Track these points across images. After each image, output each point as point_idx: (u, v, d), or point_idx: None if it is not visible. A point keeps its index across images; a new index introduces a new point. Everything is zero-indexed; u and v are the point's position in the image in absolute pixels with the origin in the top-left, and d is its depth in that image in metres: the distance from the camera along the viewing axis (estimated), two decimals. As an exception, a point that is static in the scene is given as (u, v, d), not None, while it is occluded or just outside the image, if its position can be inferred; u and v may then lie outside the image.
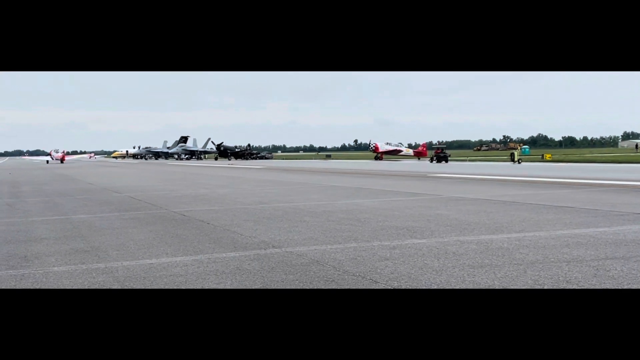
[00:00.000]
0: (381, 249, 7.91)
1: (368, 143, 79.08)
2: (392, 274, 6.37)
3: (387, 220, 10.86)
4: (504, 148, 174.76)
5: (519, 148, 66.28)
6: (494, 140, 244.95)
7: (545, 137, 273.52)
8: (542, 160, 59.48)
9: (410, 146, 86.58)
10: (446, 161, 57.84)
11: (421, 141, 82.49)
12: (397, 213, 12.06)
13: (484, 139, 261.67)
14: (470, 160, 64.03)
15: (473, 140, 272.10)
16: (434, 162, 57.59)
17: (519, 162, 49.94)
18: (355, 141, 79.89)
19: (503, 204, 13.62)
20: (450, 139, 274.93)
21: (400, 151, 77.53)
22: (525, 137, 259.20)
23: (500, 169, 36.77)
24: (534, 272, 6.32)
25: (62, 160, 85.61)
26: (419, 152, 77.23)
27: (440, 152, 60.03)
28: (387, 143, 78.24)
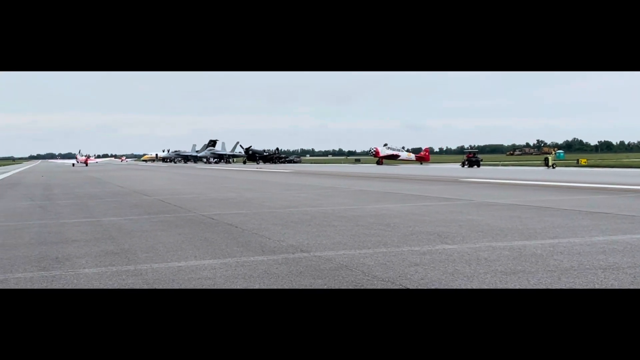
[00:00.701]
0: (411, 254, 7.87)
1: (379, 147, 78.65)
2: (422, 279, 6.34)
3: (418, 226, 10.81)
4: (537, 152, 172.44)
5: (554, 152, 65.31)
6: (527, 145, 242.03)
7: (581, 141, 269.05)
8: (577, 165, 58.55)
9: (431, 151, 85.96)
10: (478, 165, 57.31)
11: (454, 145, 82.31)
12: (428, 218, 11.99)
13: (517, 144, 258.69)
14: (502, 165, 63.31)
15: (506, 145, 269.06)
16: (465, 166, 57.08)
17: (553, 167, 49.21)
18: (385, 145, 79.49)
19: (537, 209, 13.44)
20: (482, 144, 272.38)
21: (398, 156, 77.49)
22: (560, 141, 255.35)
23: (533, 174, 36.27)
24: (568, 279, 6.22)
25: (85, 163, 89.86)
26: (421, 157, 77.32)
27: (472, 157, 59.56)
28: (388, 147, 78.25)
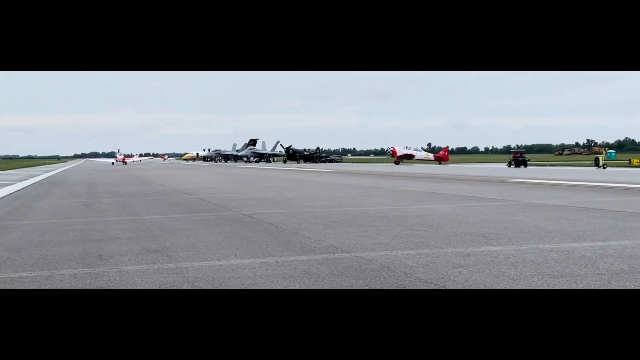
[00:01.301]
0: (455, 255, 7.79)
1: (429, 147, 78.67)
2: (465, 281, 6.27)
3: (462, 227, 10.69)
4: (587, 152, 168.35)
5: (604, 152, 63.76)
6: (576, 144, 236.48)
7: (633, 140, 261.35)
8: (630, 165, 56.99)
9: (476, 150, 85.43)
10: (525, 165, 56.35)
11: (500, 145, 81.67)
12: (472, 219, 11.84)
13: (566, 143, 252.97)
14: (551, 165, 62.05)
15: (554, 144, 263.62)
16: (512, 166, 56.19)
17: (604, 167, 48.02)
18: (429, 145, 79.00)
19: (586, 210, 13.13)
20: (529, 143, 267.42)
21: (414, 156, 77.60)
22: (611, 140, 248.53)
23: (583, 174, 35.44)
24: (619, 283, 6.06)
25: (123, 162, 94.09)
26: (440, 157, 77.39)
27: (518, 156, 58.61)
28: (406, 147, 78.67)
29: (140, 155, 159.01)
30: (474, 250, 8.20)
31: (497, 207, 14.24)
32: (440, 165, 64.41)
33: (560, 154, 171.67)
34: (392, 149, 78.52)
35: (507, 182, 26.83)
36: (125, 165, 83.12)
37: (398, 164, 73.23)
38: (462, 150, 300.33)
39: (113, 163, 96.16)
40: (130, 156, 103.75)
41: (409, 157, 76.65)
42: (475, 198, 17.32)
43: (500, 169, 51.15)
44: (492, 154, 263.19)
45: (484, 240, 9.09)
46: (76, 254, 8.45)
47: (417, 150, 79.66)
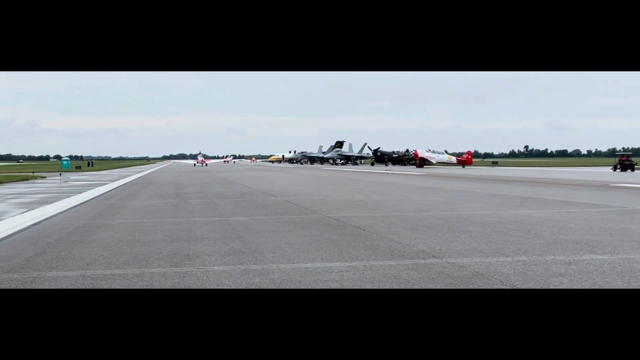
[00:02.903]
0: (555, 264, 7.51)
1: (526, 148, 77.02)
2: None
3: (562, 233, 10.29)
4: None
5: None
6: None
7: None
8: None
9: (578, 153, 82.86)
10: (632, 169, 53.56)
11: (604, 147, 78.74)
12: (573, 225, 11.38)
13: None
14: (662, 170, 58.66)
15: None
16: (617, 170, 53.61)
17: None
18: (526, 147, 76.93)
19: None
20: (637, 146, 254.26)
21: (433, 159, 77.07)
22: None
23: (700, 179, 33.28)
24: None
25: (202, 163, 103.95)
26: (463, 161, 77.68)
27: (625, 160, 55.74)
28: (428, 150, 78.66)
29: (234, 157, 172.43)
30: (576, 258, 7.87)
31: (602, 214, 13.61)
32: (496, 167, 62.69)
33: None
34: (414, 151, 79.35)
35: (612, 187, 25.63)
36: (206, 167, 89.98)
37: (420, 166, 74.09)
38: (562, 153, 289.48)
39: (195, 164, 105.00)
40: (225, 157, 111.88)
41: (429, 161, 76.91)
42: (577, 204, 16.63)
43: (604, 172, 48.90)
44: (595, 157, 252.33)
45: (587, 248, 8.71)
46: (165, 253, 8.78)
47: (440, 153, 79.87)
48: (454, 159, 79.78)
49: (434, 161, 76.72)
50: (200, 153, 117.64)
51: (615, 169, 55.22)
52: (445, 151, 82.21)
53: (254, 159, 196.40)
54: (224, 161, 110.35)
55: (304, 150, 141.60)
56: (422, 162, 76.46)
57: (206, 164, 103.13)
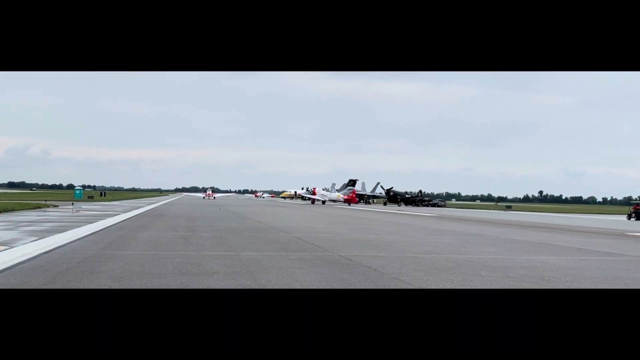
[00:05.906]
0: (568, 312, 7.39)
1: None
2: (580, 341, 5.92)
3: (576, 281, 10.18)
4: None
5: None
6: None
7: None
8: None
9: (593, 200, 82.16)
10: (649, 219, 53.01)
11: (619, 195, 78.25)
12: (588, 274, 11.25)
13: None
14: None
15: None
16: (632, 219, 53.11)
17: None
18: (540, 192, 76.37)
19: None
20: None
21: (326, 197, 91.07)
22: None
23: None
24: None
25: (209, 196, 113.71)
26: (348, 199, 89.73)
27: (640, 208, 55.27)
28: (323, 189, 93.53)
29: (239, 192, 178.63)
30: (590, 307, 7.76)
31: (616, 262, 13.46)
32: (510, 212, 62.52)
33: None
34: (313, 189, 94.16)
35: (627, 235, 25.37)
36: (214, 200, 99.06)
37: (314, 203, 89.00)
38: (577, 200, 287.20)
39: (204, 197, 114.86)
40: (213, 191, 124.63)
41: (320, 199, 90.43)
42: (592, 251, 16.47)
43: (619, 221, 48.46)
44: (611, 204, 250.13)
45: (602, 297, 8.58)
46: (174, 286, 8.75)
47: (329, 192, 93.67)
48: (341, 197, 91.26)
49: (326, 199, 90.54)
50: (210, 187, 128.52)
51: (630, 217, 54.72)
52: (336, 189, 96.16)
53: (273, 195, 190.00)
54: (206, 195, 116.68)
55: (314, 186, 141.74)
56: (316, 201, 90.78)
57: (214, 197, 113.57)
